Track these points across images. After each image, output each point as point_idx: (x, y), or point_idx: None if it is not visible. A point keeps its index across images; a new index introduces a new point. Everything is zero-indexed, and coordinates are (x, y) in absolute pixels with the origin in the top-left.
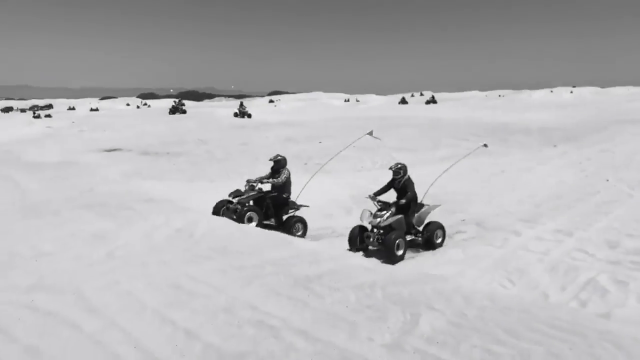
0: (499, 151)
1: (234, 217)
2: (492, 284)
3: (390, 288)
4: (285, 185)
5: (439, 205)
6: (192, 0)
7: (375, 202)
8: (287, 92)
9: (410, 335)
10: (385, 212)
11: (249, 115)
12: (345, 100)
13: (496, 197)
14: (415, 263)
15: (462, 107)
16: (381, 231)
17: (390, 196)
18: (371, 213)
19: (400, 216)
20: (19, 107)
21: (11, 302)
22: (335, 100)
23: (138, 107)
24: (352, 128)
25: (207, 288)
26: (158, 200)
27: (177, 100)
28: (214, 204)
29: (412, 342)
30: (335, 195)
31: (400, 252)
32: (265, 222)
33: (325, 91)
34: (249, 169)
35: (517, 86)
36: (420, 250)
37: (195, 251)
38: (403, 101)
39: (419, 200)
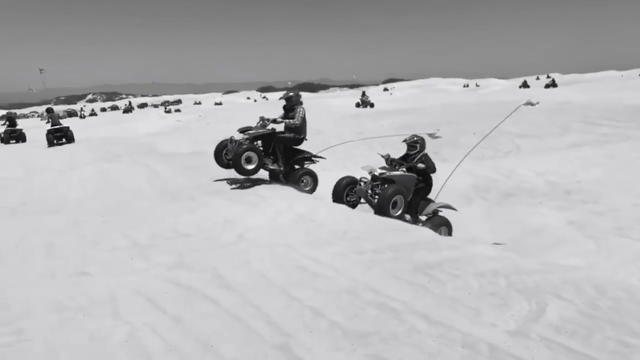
0: None
1: (229, 158)
2: (630, 279)
3: (514, 277)
4: (301, 126)
5: (455, 210)
6: None
7: (387, 160)
8: (402, 80)
9: (536, 323)
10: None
11: (372, 105)
12: (464, 86)
13: (635, 186)
14: (541, 254)
15: (595, 88)
16: (379, 184)
17: None
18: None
19: (411, 174)
20: (153, 103)
21: (158, 278)
22: (453, 85)
23: (255, 100)
24: (471, 114)
25: (329, 270)
26: (280, 187)
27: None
28: (216, 145)
29: (538, 330)
30: (453, 184)
31: (396, 213)
32: (271, 167)
33: (442, 77)
34: (364, 158)
35: None
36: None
37: (317, 235)
38: (525, 85)
39: (435, 199)
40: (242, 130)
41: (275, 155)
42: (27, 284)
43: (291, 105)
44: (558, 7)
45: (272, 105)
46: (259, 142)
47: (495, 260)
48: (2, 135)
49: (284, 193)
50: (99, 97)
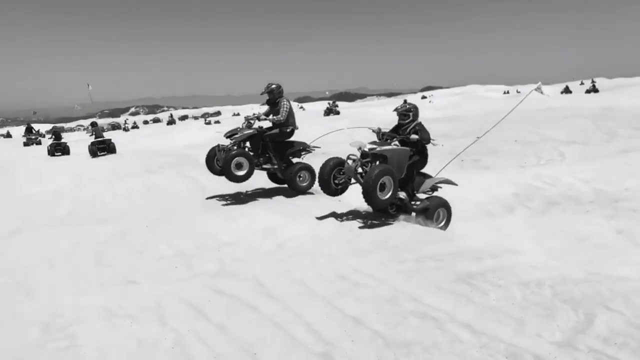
0: None
1: (220, 165)
2: None
3: (559, 287)
4: (288, 118)
5: (456, 184)
6: (340, 7)
7: (379, 134)
8: (440, 87)
9: (583, 335)
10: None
11: None
12: (504, 92)
13: None
14: (586, 264)
15: None
16: (369, 160)
17: None
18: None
19: (405, 148)
20: (193, 115)
21: (203, 286)
22: (493, 92)
23: None
24: (513, 121)
25: (370, 279)
26: (320, 197)
27: (331, 102)
28: (206, 153)
29: (586, 342)
30: (494, 193)
31: (384, 196)
32: (265, 166)
33: (482, 83)
34: None
35: None
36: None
37: (357, 244)
38: (567, 90)
39: (435, 175)
40: (229, 135)
41: (267, 154)
42: (78, 292)
43: (274, 99)
44: (601, 9)
45: (311, 115)
46: (248, 143)
47: (539, 270)
48: (49, 148)
49: (323, 203)
50: (141, 110)
